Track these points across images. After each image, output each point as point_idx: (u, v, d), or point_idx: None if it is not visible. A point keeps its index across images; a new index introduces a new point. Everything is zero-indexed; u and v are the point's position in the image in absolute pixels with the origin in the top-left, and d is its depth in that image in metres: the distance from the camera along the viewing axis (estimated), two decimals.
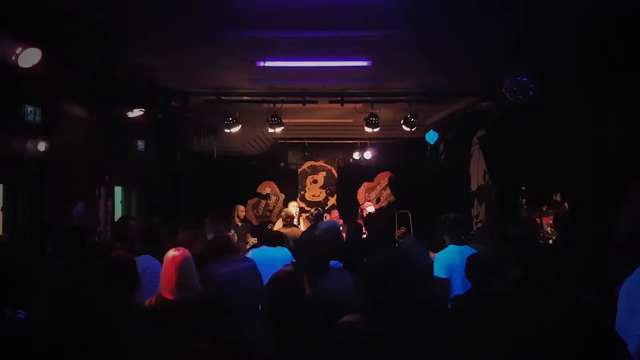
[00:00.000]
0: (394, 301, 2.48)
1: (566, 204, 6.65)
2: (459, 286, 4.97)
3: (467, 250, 5.11)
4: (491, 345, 2.85)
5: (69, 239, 4.78)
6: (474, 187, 9.53)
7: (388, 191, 12.78)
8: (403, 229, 10.02)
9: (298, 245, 5.27)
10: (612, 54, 4.71)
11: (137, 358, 2.95)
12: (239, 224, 9.46)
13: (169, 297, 3.57)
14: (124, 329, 3.01)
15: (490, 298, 3.55)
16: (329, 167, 12.97)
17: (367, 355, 2.41)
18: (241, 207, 10.01)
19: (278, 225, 8.53)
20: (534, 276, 3.67)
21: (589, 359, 3.03)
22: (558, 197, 6.91)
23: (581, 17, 4.61)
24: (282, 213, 8.68)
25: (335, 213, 10.76)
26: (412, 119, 8.21)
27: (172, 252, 3.71)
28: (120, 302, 3.21)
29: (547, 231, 7.00)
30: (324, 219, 8.84)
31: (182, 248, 3.82)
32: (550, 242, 6.62)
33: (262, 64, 6.22)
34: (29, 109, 5.34)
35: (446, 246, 5.29)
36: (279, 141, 12.05)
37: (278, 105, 7.96)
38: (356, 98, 7.89)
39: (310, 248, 3.92)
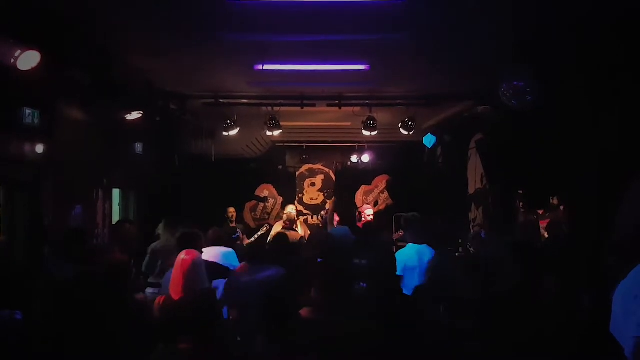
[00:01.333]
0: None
1: (562, 207, 6.66)
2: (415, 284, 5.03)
3: (425, 250, 5.20)
4: (491, 345, 2.87)
5: (71, 241, 4.78)
6: (471, 191, 9.55)
7: (386, 194, 12.77)
8: (401, 232, 10.01)
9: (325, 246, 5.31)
10: (612, 55, 4.72)
11: (135, 356, 2.96)
12: (232, 225, 9.41)
13: (175, 297, 3.66)
14: (123, 329, 3.02)
15: (491, 299, 3.56)
16: (327, 170, 12.96)
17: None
18: (231, 209, 10.03)
19: (277, 228, 8.51)
20: (535, 278, 3.67)
21: None
22: (555, 201, 6.93)
23: (581, 18, 4.63)
24: (284, 215, 8.66)
25: (335, 217, 10.74)
26: (409, 123, 8.22)
27: (182, 255, 3.81)
28: (119, 303, 3.22)
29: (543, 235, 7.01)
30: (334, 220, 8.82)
31: (193, 251, 3.91)
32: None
33: (260, 67, 6.25)
34: (28, 111, 5.34)
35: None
36: (277, 144, 12.05)
37: (276, 109, 7.98)
38: (354, 101, 7.91)
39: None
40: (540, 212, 7.19)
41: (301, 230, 8.70)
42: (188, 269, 3.71)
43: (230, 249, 5.81)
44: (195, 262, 3.78)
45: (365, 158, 12.02)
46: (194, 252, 3.92)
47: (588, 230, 5.12)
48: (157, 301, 3.75)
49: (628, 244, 3.44)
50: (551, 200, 7.03)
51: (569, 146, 5.75)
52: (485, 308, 3.45)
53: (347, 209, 12.01)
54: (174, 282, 3.71)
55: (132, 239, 6.30)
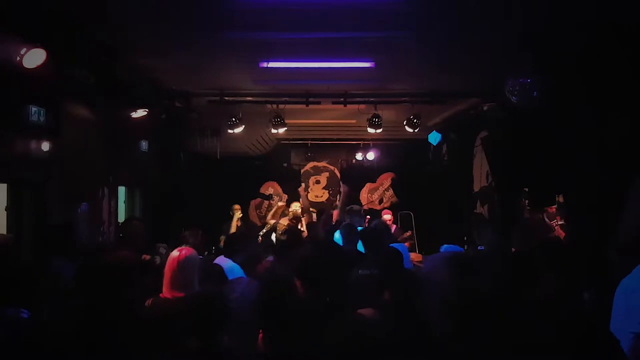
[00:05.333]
0: None
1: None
2: None
3: None
4: (490, 347, 2.86)
5: (57, 237, 4.76)
6: (476, 188, 9.52)
7: (391, 192, 12.77)
8: (409, 232, 9.97)
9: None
10: (612, 55, 4.70)
11: (137, 356, 2.96)
12: (238, 224, 9.33)
13: (167, 295, 3.63)
14: (125, 328, 3.02)
15: (490, 299, 3.55)
16: (332, 167, 12.96)
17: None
18: (236, 206, 9.90)
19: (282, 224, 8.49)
20: (533, 277, 3.66)
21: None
22: (561, 199, 6.90)
23: (582, 18, 4.61)
24: (290, 213, 8.67)
25: (336, 213, 10.73)
26: (414, 120, 8.22)
27: (175, 252, 3.76)
28: (122, 302, 3.22)
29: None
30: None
31: (185, 248, 3.86)
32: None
33: (265, 65, 6.24)
34: (34, 109, 5.36)
35: None
36: (282, 142, 12.07)
37: (281, 106, 7.98)
38: (359, 99, 7.89)
39: None
40: (552, 209, 7.13)
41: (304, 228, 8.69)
42: (178, 265, 3.65)
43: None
44: (186, 259, 3.70)
45: (370, 155, 12.04)
46: (188, 249, 3.84)
47: (590, 227, 5.10)
48: (147, 302, 3.69)
49: (631, 243, 3.44)
50: (557, 198, 7.00)
51: (572, 144, 5.73)
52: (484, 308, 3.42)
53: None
54: (165, 279, 3.67)
55: (141, 237, 6.32)
